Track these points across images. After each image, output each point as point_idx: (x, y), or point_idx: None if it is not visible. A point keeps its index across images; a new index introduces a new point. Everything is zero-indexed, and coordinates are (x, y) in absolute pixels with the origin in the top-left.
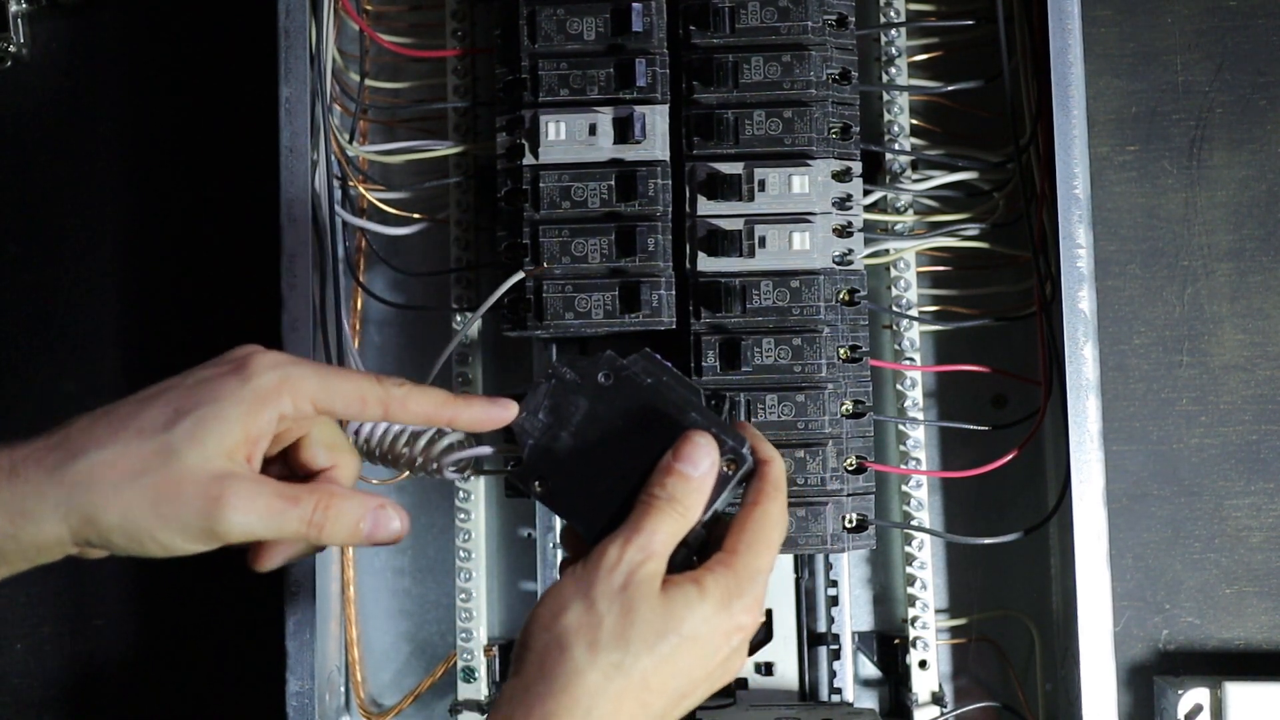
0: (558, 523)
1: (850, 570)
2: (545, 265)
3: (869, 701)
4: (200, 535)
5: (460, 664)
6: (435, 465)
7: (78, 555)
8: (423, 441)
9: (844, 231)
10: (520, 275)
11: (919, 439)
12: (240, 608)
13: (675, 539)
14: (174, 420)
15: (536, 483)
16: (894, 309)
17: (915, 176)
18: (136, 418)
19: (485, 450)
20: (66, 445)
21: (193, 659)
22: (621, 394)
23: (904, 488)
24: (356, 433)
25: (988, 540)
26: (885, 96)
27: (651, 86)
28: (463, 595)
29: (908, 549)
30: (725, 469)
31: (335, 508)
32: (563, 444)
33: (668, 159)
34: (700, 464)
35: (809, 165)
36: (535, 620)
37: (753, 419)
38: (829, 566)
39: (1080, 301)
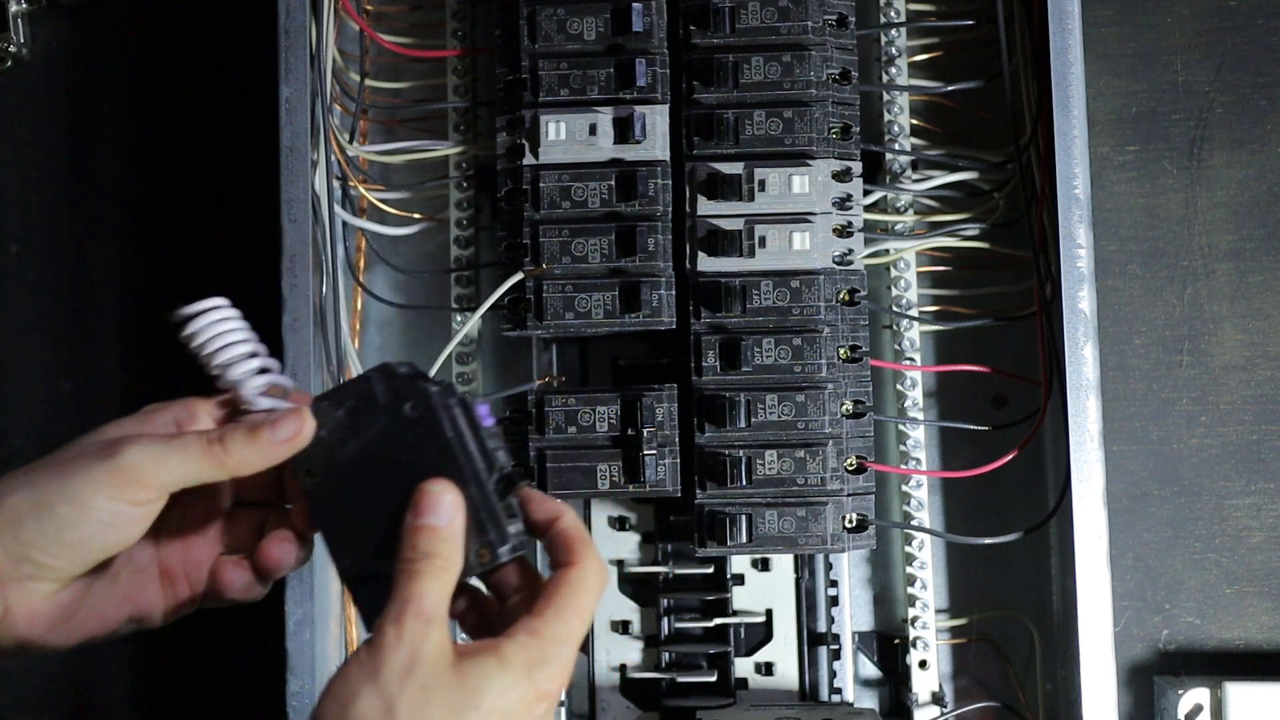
0: None
1: (850, 570)
2: (545, 265)
3: (869, 701)
4: (109, 482)
5: None
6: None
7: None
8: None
9: (844, 231)
10: (519, 276)
11: (919, 439)
12: (240, 608)
13: (447, 594)
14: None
15: (305, 473)
16: (894, 309)
17: (915, 176)
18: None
19: (288, 383)
20: None
21: (193, 659)
22: (418, 433)
23: (904, 488)
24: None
25: (988, 540)
26: (885, 96)
27: (652, 86)
28: None
29: (908, 549)
30: (477, 557)
31: (232, 424)
32: (347, 452)
33: (668, 159)
34: (442, 512)
35: (809, 165)
36: (322, 713)
37: (753, 419)
38: (829, 566)
39: (1080, 301)
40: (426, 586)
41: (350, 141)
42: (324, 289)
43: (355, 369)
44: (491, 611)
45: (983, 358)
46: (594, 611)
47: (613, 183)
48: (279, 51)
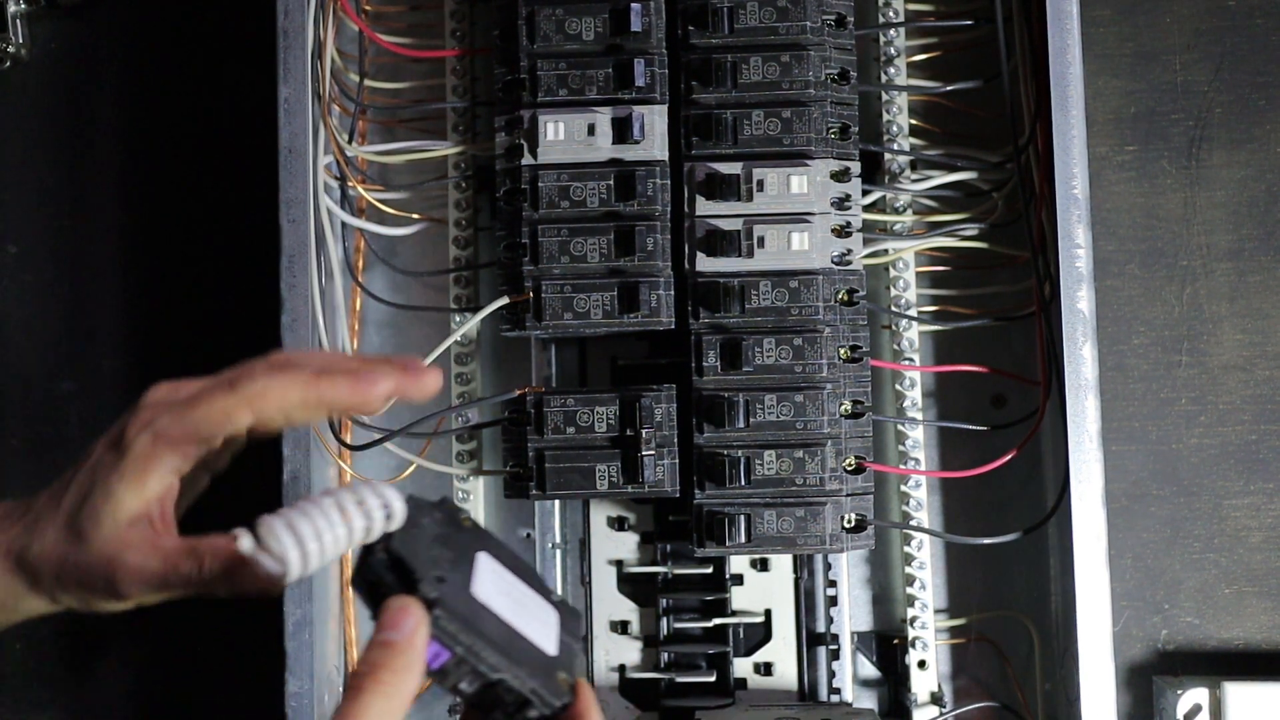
0: (557, 524)
1: (849, 570)
2: (543, 265)
3: (868, 702)
4: (114, 598)
5: None
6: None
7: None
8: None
9: (843, 231)
10: (504, 300)
11: (918, 439)
12: (240, 608)
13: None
14: (78, 507)
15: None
16: (893, 309)
17: (914, 176)
18: (55, 510)
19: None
20: (15, 540)
21: (192, 659)
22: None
23: (903, 488)
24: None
25: (987, 540)
26: (884, 96)
27: (650, 86)
28: None
29: (907, 549)
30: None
31: (213, 558)
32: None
33: (666, 159)
34: (402, 627)
35: (808, 165)
36: None
37: (751, 419)
38: (828, 566)
39: (1079, 301)
40: (364, 710)
41: (349, 142)
42: (323, 289)
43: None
44: None
45: (982, 358)
46: None
47: (611, 183)
48: (278, 52)
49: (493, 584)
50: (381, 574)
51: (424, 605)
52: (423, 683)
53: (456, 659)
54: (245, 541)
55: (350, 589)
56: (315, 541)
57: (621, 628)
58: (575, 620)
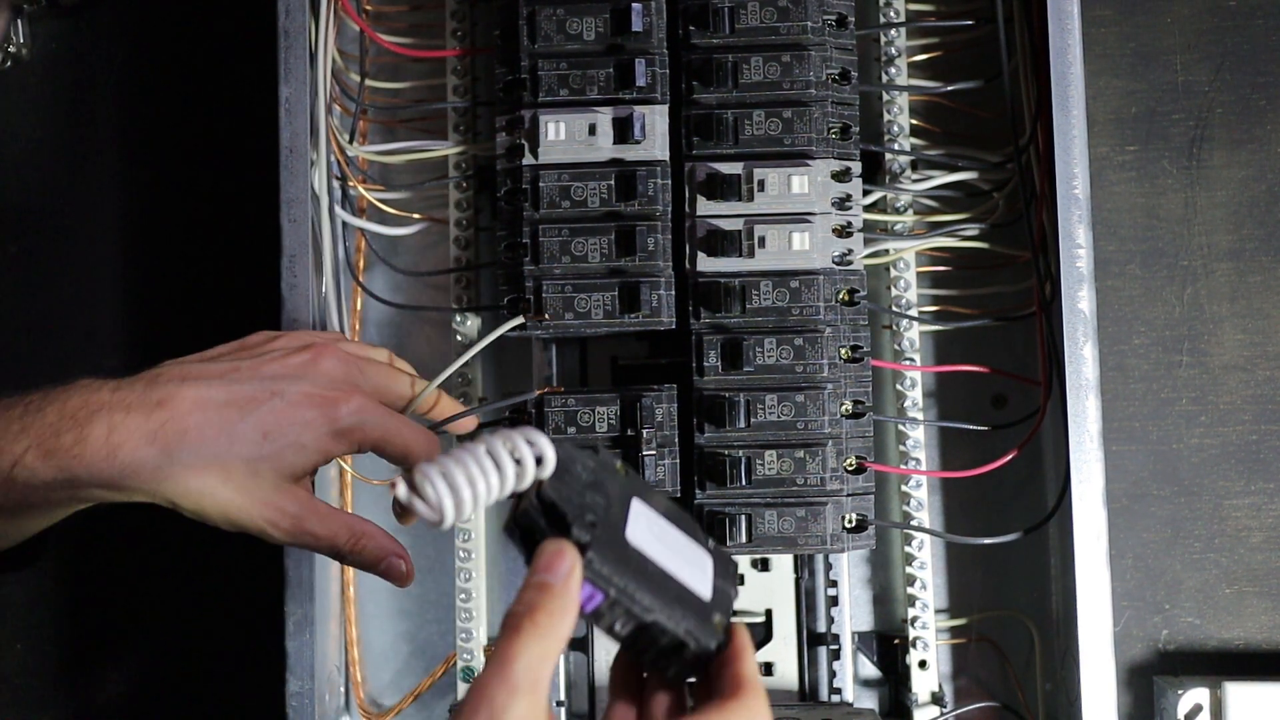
0: None
1: (850, 570)
2: (543, 264)
3: (869, 702)
4: (243, 531)
5: (460, 664)
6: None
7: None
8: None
9: (844, 231)
10: (519, 320)
11: (919, 439)
12: (240, 608)
13: (543, 662)
14: (262, 443)
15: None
16: (894, 309)
17: (915, 176)
18: (232, 429)
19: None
20: (169, 424)
21: (193, 659)
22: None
23: (904, 488)
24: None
25: (987, 540)
26: (885, 96)
27: (651, 86)
28: (462, 595)
29: (907, 549)
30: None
31: (364, 544)
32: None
33: (667, 159)
34: (557, 570)
35: (808, 165)
36: None
37: (752, 419)
38: (829, 566)
39: (1080, 301)
40: (520, 649)
41: (350, 141)
42: (324, 289)
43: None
44: None
45: (982, 358)
46: None
47: (612, 183)
48: (279, 52)
49: (646, 529)
50: (535, 519)
51: (578, 548)
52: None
53: (610, 601)
54: (402, 489)
55: (504, 534)
56: (469, 489)
57: None
58: (730, 566)
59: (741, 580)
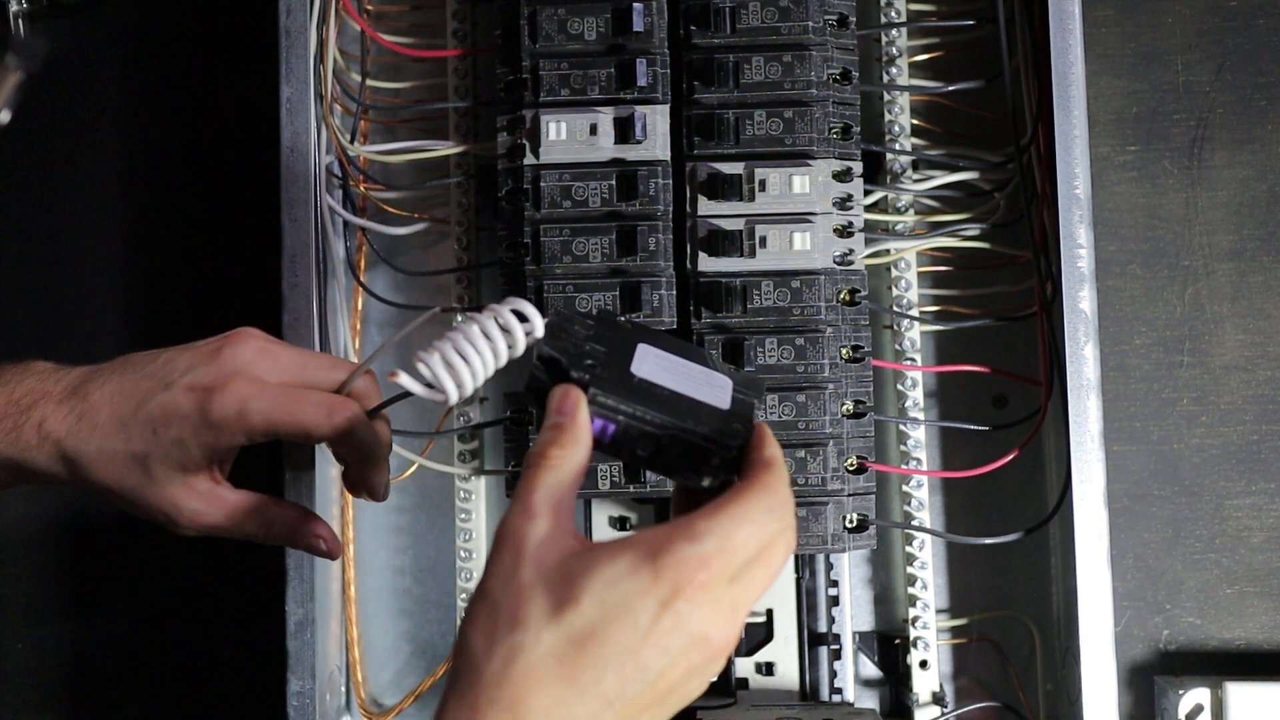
0: None
1: (851, 570)
2: (544, 264)
3: (870, 701)
4: (168, 529)
5: None
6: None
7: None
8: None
9: (845, 231)
10: (434, 309)
11: (920, 439)
12: (240, 608)
13: (558, 491)
14: (151, 438)
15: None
16: (895, 309)
17: (916, 176)
18: (126, 423)
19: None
20: (85, 417)
21: (193, 659)
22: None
23: (905, 488)
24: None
25: (988, 540)
26: (886, 96)
27: (652, 86)
28: (463, 595)
29: (908, 549)
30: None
31: (275, 530)
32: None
33: (668, 159)
34: (563, 409)
35: (810, 165)
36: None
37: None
38: (830, 566)
39: (1081, 301)
40: (536, 483)
41: (351, 141)
42: (325, 289)
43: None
44: None
45: (983, 358)
46: (763, 524)
47: (613, 182)
48: (279, 51)
49: (655, 364)
50: (539, 377)
51: (580, 387)
52: (595, 457)
53: (622, 428)
54: (404, 377)
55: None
56: (464, 363)
57: None
58: (754, 383)
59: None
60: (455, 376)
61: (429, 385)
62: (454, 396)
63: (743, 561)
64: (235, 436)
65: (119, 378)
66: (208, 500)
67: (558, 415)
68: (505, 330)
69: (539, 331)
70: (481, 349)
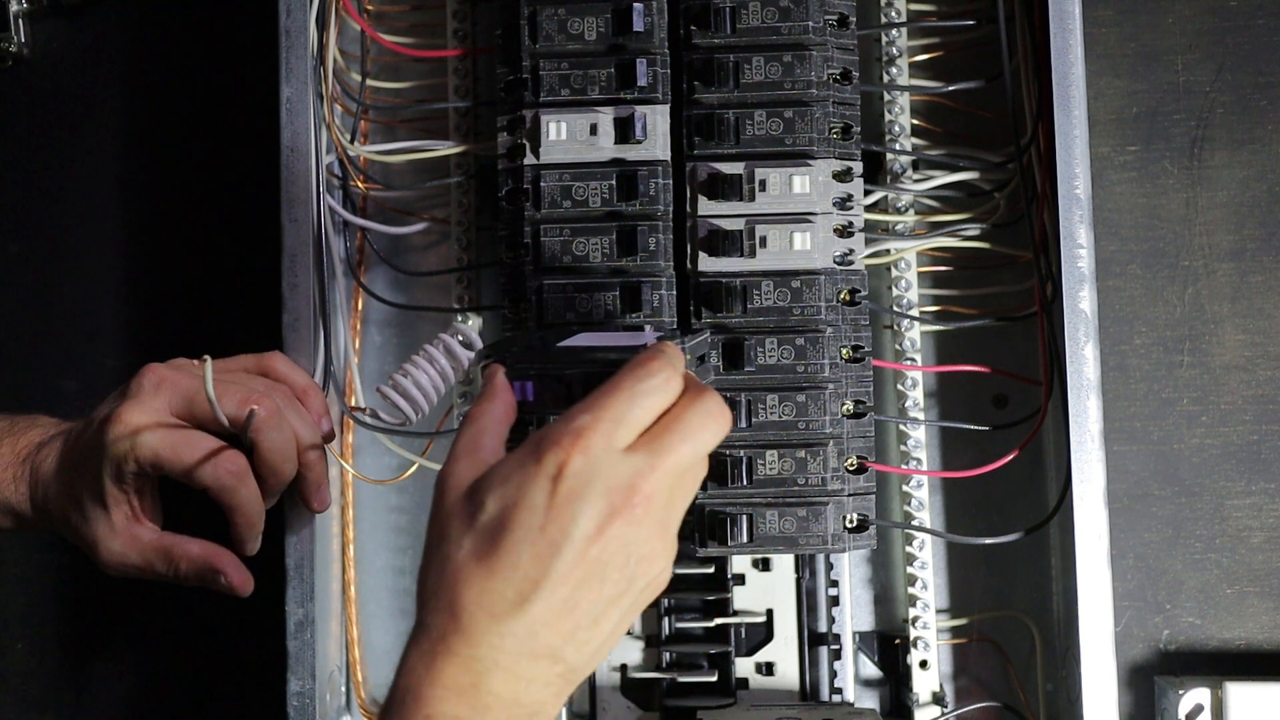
0: None
1: (851, 570)
2: (545, 264)
3: (870, 701)
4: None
5: None
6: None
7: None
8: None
9: (845, 231)
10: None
11: (920, 439)
12: (241, 608)
13: (477, 438)
14: (74, 475)
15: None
16: (895, 309)
17: (916, 176)
18: (60, 462)
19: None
20: (32, 472)
21: (193, 659)
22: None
23: (905, 488)
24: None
25: (988, 540)
26: (886, 96)
27: (652, 86)
28: None
29: (908, 549)
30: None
31: (182, 567)
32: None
33: (668, 159)
34: (487, 380)
35: (810, 165)
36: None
37: (753, 419)
38: (830, 566)
39: (1081, 301)
40: (460, 436)
41: (351, 141)
42: (324, 289)
43: (355, 369)
44: None
45: (983, 358)
46: (635, 393)
47: (613, 182)
48: (280, 51)
49: (586, 339)
50: (479, 373)
51: (500, 364)
52: (517, 416)
53: (539, 384)
54: (367, 416)
55: None
56: (416, 389)
57: None
58: (697, 335)
59: (741, 580)
60: (411, 402)
61: (389, 410)
62: (413, 419)
63: (616, 420)
64: (129, 464)
65: (73, 429)
66: (124, 539)
67: (483, 387)
68: (448, 352)
69: (479, 344)
70: (431, 374)
